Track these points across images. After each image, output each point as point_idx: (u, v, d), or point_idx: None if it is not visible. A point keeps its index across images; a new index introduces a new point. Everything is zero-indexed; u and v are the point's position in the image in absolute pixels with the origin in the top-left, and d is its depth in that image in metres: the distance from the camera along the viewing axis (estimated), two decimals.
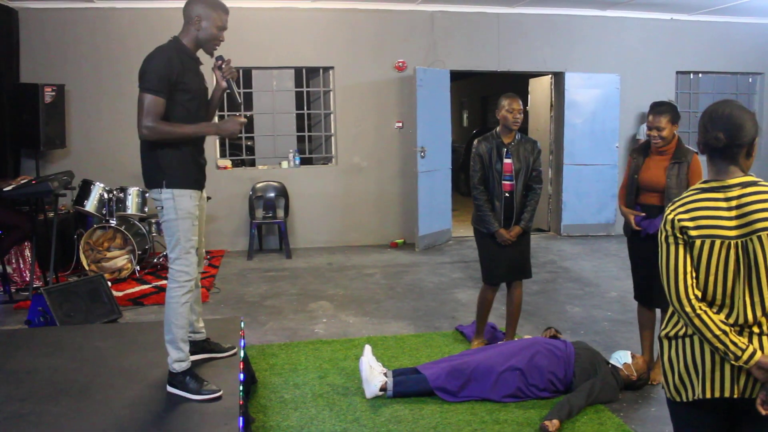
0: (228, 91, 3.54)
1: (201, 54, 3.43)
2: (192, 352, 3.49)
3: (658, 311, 4.42)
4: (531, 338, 4.51)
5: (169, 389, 3.33)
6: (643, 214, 4.20)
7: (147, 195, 7.30)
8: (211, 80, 3.57)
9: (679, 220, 2.15)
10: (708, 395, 2.14)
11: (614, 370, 4.18)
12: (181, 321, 3.31)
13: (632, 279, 4.46)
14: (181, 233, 3.28)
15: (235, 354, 3.82)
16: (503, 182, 4.61)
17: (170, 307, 3.30)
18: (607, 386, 4.03)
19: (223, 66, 3.49)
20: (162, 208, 3.32)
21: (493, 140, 4.65)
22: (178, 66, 3.26)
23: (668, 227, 2.17)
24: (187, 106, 3.32)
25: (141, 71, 3.23)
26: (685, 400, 2.21)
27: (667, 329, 2.26)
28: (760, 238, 2.07)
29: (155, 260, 7.51)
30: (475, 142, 4.74)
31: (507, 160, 4.61)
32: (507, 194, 4.62)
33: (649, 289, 4.28)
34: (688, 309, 2.12)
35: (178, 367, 3.31)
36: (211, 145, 8.71)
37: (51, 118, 7.43)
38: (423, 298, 6.40)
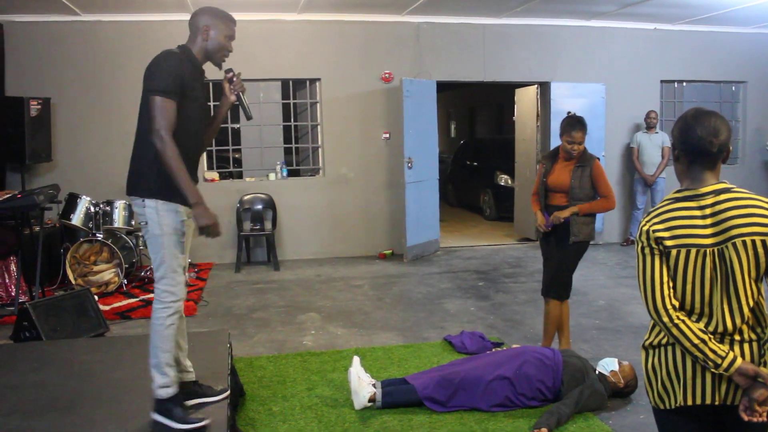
0: (237, 104, 3.41)
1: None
2: None
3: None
4: (519, 347, 4.52)
5: (154, 416, 3.11)
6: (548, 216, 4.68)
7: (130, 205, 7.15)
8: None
9: (654, 231, 2.14)
10: (690, 402, 2.16)
11: (601, 377, 4.19)
12: (167, 345, 3.10)
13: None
14: (166, 250, 3.07)
15: (227, 396, 3.47)
16: None
17: (155, 330, 3.10)
18: (595, 393, 4.03)
19: (234, 78, 3.35)
20: (146, 223, 3.11)
21: None
22: (189, 70, 3.11)
23: (643, 238, 2.17)
24: (191, 115, 3.12)
25: (149, 71, 3.01)
26: (668, 407, 2.22)
27: (650, 339, 2.27)
28: (735, 245, 2.07)
29: (142, 274, 7.47)
30: None
31: None
32: None
33: (548, 282, 4.85)
34: (665, 319, 2.13)
35: (164, 393, 3.10)
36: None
37: (36, 132, 7.39)
38: (411, 309, 6.40)
